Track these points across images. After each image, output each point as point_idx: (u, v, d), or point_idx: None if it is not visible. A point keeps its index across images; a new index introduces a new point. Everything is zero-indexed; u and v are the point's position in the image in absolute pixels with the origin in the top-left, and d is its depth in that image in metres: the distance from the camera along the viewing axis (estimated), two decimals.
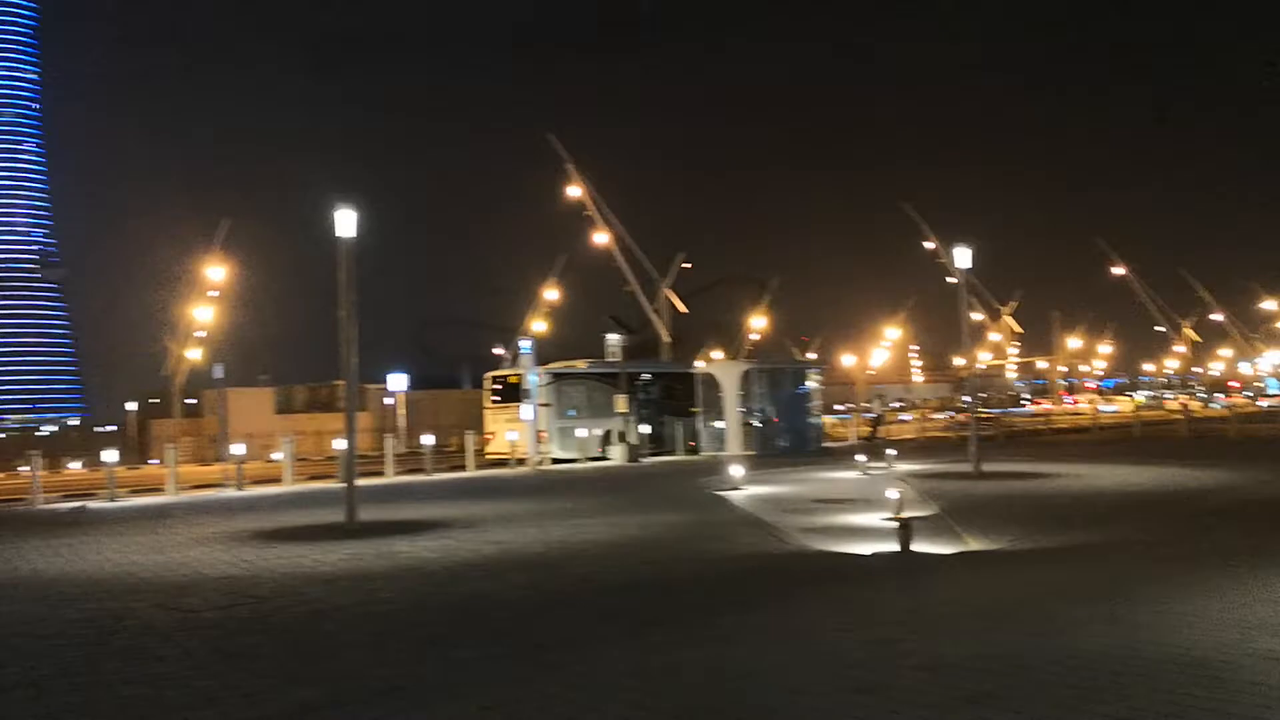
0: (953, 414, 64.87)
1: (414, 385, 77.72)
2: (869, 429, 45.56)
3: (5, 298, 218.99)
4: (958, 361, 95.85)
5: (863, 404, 62.05)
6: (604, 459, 35.49)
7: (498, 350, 68.13)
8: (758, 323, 77.13)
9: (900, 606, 10.61)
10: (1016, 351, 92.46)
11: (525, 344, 33.99)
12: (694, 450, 37.17)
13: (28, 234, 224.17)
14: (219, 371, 31.19)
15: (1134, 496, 19.73)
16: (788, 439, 36.63)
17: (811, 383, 39.59)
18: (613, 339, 36.59)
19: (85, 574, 13.96)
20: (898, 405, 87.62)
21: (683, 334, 68.82)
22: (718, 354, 68.33)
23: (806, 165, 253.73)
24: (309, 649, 9.39)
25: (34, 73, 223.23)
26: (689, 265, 56.13)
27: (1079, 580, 11.56)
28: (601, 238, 54.15)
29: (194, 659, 9.08)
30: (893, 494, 17.07)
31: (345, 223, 17.89)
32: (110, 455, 26.39)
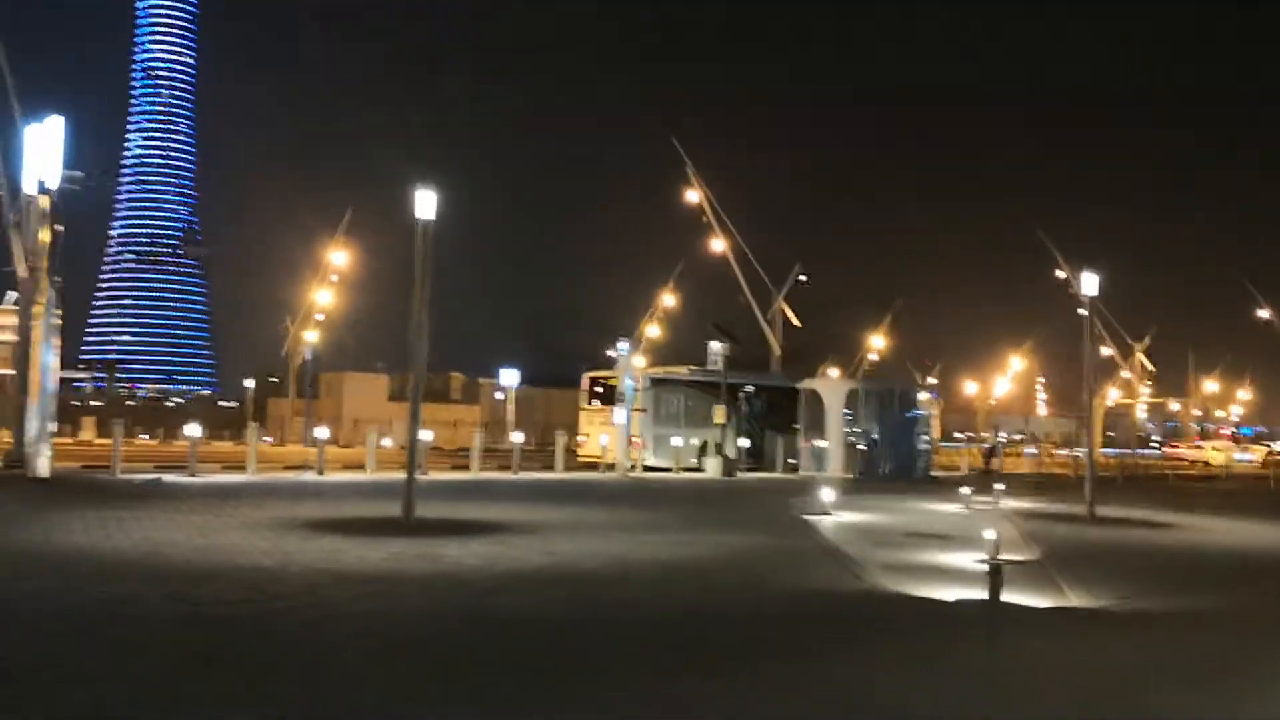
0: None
1: (530, 381, 77.52)
2: (983, 460, 43.45)
3: (151, 273, 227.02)
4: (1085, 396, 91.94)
5: (984, 434, 59.57)
6: (698, 470, 34.30)
7: (612, 352, 67.35)
8: (878, 343, 75.03)
9: (978, 669, 9.22)
10: (1149, 391, 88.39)
11: (622, 346, 33.01)
12: (793, 469, 35.72)
13: (175, 212, 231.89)
14: (309, 354, 30.96)
15: (1264, 557, 17.82)
16: (892, 465, 34.93)
17: (923, 407, 37.82)
18: (715, 347, 35.38)
19: (119, 552, 13.34)
20: (1018, 438, 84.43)
21: (799, 348, 67.23)
22: (834, 371, 66.56)
23: (938, 186, 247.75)
24: (298, 660, 8.44)
25: (191, 55, 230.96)
26: (806, 278, 54.61)
27: (1192, 653, 10.02)
28: (718, 244, 53.00)
29: (173, 661, 8.20)
30: (989, 534, 15.58)
31: (425, 204, 17.07)
32: (193, 430, 26.12)
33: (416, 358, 17.13)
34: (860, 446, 34.76)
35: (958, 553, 16.04)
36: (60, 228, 24.21)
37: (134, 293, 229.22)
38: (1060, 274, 53.67)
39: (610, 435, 32.74)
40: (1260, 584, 14.83)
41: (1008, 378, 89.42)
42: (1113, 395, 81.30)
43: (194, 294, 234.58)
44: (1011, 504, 25.41)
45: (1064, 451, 65.81)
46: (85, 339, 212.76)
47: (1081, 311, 24.44)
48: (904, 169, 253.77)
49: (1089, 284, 23.11)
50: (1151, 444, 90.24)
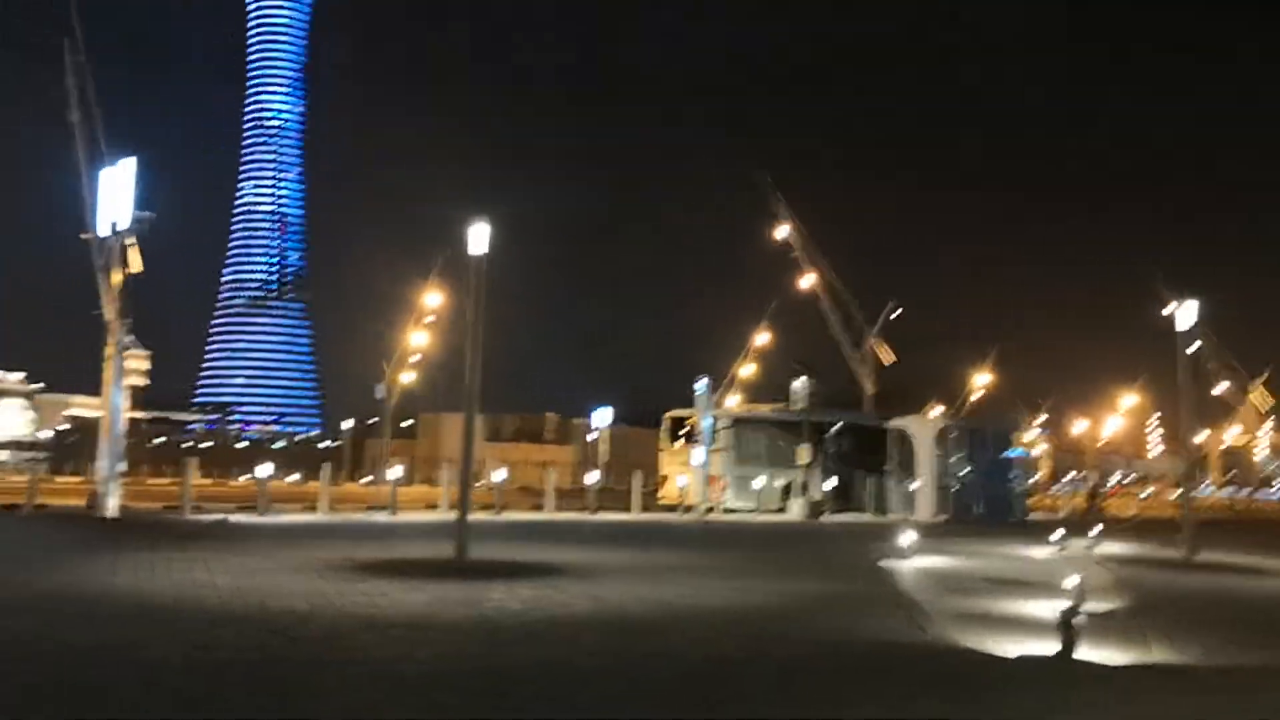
0: None
1: (626, 421, 77.14)
2: (1085, 502, 41.71)
3: (259, 316, 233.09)
4: (1202, 435, 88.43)
5: (1085, 475, 57.38)
6: (782, 512, 33.35)
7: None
8: (983, 381, 72.99)
9: None
10: (1270, 429, 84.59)
11: (700, 384, 32.29)
12: (883, 510, 34.54)
13: (283, 257, 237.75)
14: (380, 392, 30.86)
15: None
16: (986, 506, 33.54)
17: (1018, 446, 36.36)
18: (797, 385, 34.47)
19: (154, 593, 13.07)
20: (1129, 478, 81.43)
21: (899, 387, 65.89)
22: (939, 410, 64.86)
23: (1046, 215, 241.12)
24: (287, 707, 7.97)
25: (300, 105, 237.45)
26: (899, 312, 53.36)
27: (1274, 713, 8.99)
28: (808, 280, 52.04)
29: (151, 712, 7.78)
30: (1071, 581, 14.56)
31: (478, 239, 16.68)
32: (264, 470, 26.14)
33: (471, 394, 16.71)
34: (952, 487, 33.50)
35: (1039, 600, 14.97)
36: (132, 270, 24.40)
37: (245, 337, 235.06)
38: (1169, 306, 51.60)
39: (688, 476, 32.03)
40: None
41: (1120, 416, 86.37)
42: (1231, 434, 78.02)
43: (302, 337, 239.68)
44: (1107, 548, 24.07)
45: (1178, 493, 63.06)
46: (199, 382, 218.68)
47: (1185, 332, 23.09)
48: (1000, 197, 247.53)
49: (1185, 316, 21.88)
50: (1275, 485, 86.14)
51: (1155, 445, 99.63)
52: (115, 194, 22.67)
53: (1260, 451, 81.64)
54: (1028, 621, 13.47)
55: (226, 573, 15.16)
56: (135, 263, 25.00)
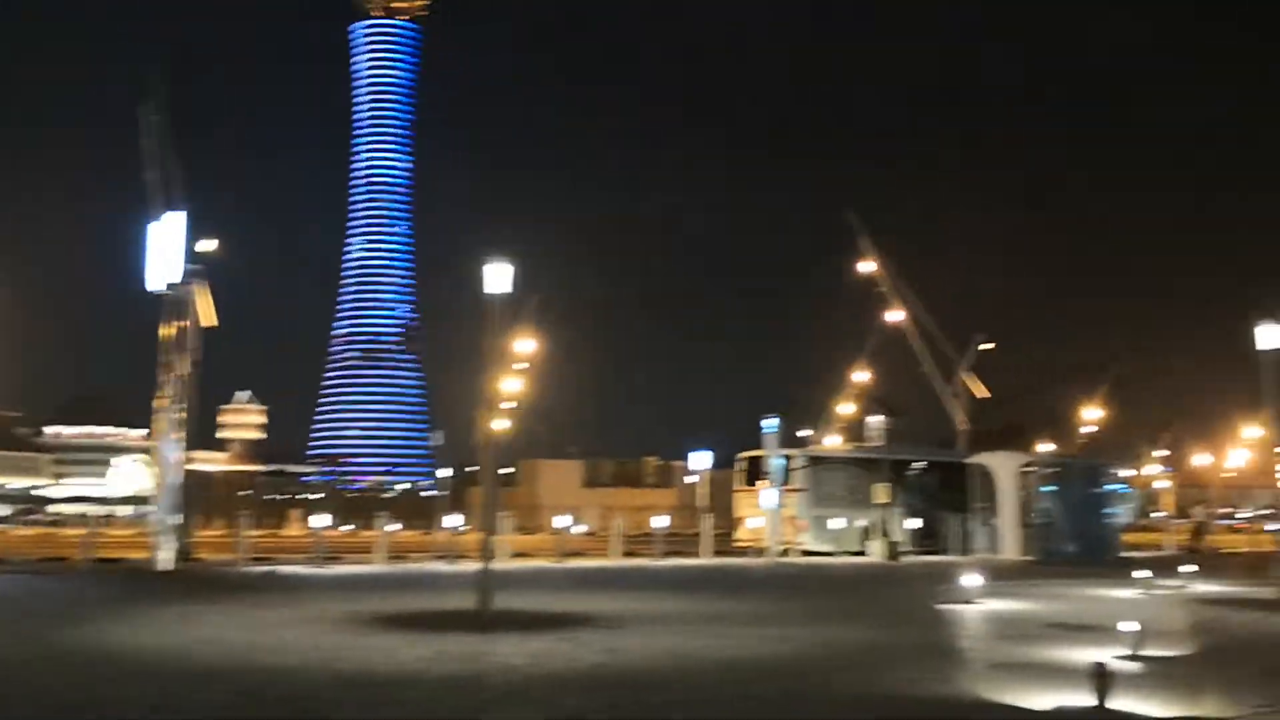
0: None
1: (727, 464, 75.99)
2: (1189, 538, 39.49)
3: (372, 369, 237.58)
4: None
5: (1197, 509, 54.51)
6: (862, 554, 32.08)
7: (802, 431, 65.09)
8: (1093, 415, 70.26)
9: None
10: None
11: (769, 423, 31.20)
12: (966, 551, 33.03)
13: (393, 309, 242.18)
14: (439, 439, 30.61)
15: None
16: (1077, 545, 31.80)
17: (1110, 481, 34.50)
18: (875, 422, 33.26)
19: (157, 651, 12.75)
20: (1261, 511, 77.54)
21: (1006, 424, 64.09)
22: (1050, 447, 62.56)
23: (1156, 241, 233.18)
24: None
25: (408, 162, 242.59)
26: (990, 346, 51.44)
27: None
28: (897, 316, 50.58)
29: None
30: (1129, 625, 13.46)
31: (498, 278, 16.17)
32: (321, 520, 25.94)
33: (486, 439, 16.14)
34: (1039, 525, 31.85)
35: (1099, 646, 13.79)
36: (204, 323, 24.47)
37: (357, 389, 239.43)
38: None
39: (759, 518, 31.01)
40: None
41: (1246, 447, 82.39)
42: None
43: (413, 389, 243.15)
44: (1200, 587, 22.49)
45: None
46: (313, 434, 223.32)
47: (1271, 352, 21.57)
48: (1106, 226, 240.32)
49: (1270, 336, 20.37)
50: None
51: None
52: (165, 249, 22.80)
53: None
54: (1076, 669, 12.32)
55: (241, 627, 14.81)
56: (208, 316, 25.11)
